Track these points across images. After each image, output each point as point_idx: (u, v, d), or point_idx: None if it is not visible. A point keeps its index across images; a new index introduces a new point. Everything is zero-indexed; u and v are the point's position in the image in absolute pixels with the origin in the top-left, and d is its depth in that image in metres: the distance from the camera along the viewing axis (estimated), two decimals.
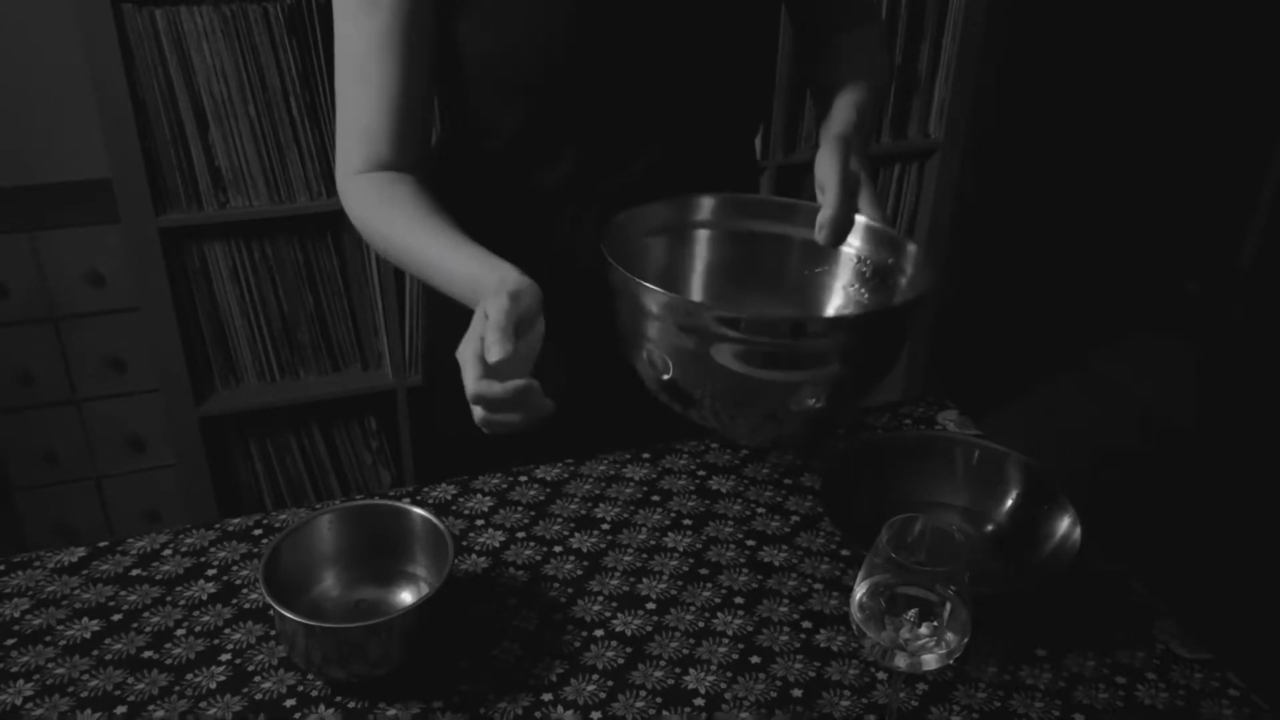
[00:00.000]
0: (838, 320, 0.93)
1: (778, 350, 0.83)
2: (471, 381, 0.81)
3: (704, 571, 1.02)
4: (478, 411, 0.83)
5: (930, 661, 0.76)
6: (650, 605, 0.98)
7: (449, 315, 1.14)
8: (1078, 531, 0.99)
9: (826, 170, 0.93)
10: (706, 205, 1.01)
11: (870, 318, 0.92)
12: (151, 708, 0.86)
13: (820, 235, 0.92)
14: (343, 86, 1.02)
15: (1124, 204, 3.32)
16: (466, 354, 0.82)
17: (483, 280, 0.90)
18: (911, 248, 0.93)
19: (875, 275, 0.96)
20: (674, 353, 0.85)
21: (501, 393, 0.80)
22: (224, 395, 2.04)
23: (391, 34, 0.97)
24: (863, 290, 0.97)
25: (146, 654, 0.91)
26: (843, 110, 1.02)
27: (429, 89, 1.02)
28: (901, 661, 0.76)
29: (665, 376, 0.86)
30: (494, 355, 0.80)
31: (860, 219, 0.95)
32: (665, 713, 0.87)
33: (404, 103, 1.00)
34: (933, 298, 2.45)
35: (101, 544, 1.03)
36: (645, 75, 1.02)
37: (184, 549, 1.03)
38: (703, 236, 1.02)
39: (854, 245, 0.97)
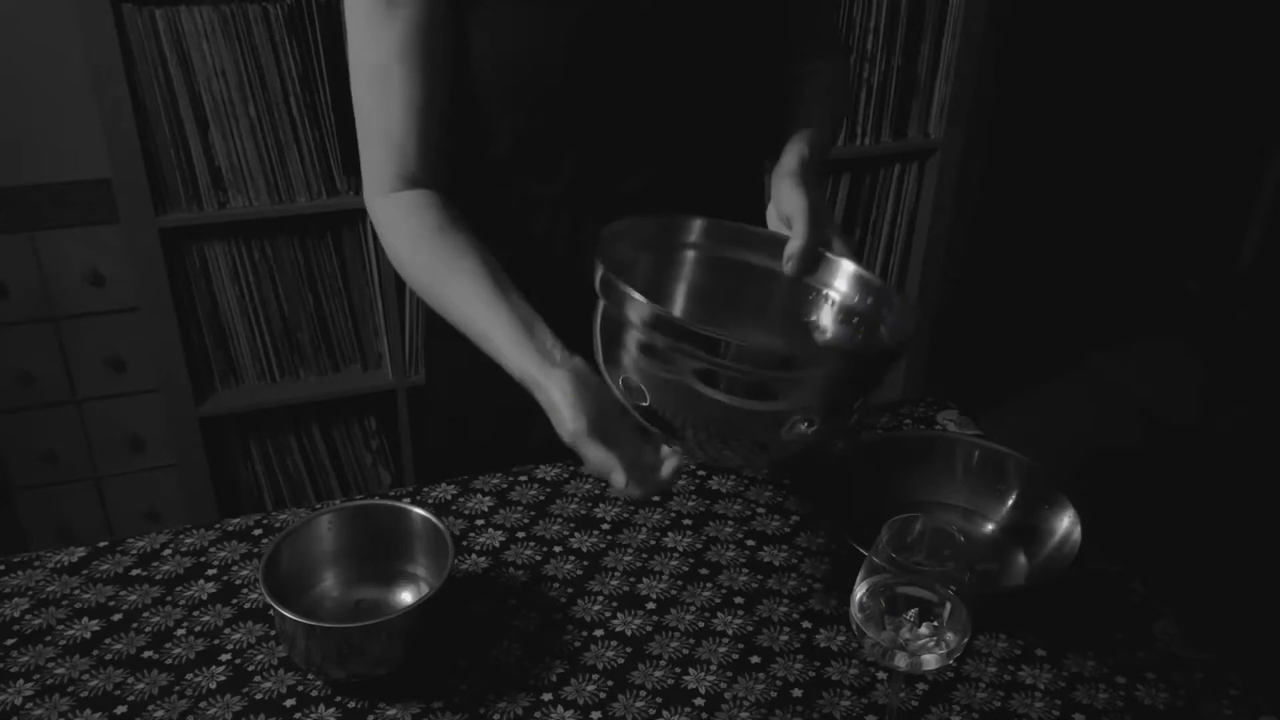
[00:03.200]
0: (824, 352, 0.90)
1: (766, 381, 0.79)
2: (626, 489, 0.85)
3: (704, 571, 1.02)
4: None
5: (930, 661, 0.76)
6: (650, 605, 0.98)
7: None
8: (1078, 531, 0.99)
9: (792, 203, 0.93)
10: (697, 227, 0.97)
11: (855, 358, 0.88)
12: (151, 708, 0.86)
13: (789, 266, 0.91)
14: (361, 97, 1.01)
15: (1124, 204, 3.31)
16: (618, 484, 0.85)
17: (522, 380, 0.91)
18: (896, 299, 0.90)
19: (864, 324, 0.92)
20: (654, 380, 0.82)
21: (645, 491, 0.85)
22: (224, 395, 2.04)
23: (412, 43, 0.96)
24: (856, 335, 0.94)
25: (146, 654, 0.91)
26: (799, 145, 1.01)
27: (448, 100, 1.01)
28: (901, 661, 0.76)
29: (644, 403, 0.83)
30: (620, 483, 0.84)
31: (850, 266, 0.93)
32: (665, 713, 0.87)
33: (427, 111, 0.99)
34: (935, 299, 2.45)
35: (101, 544, 1.03)
36: (646, 89, 1.01)
37: (184, 549, 1.03)
38: (689, 259, 0.97)
39: (840, 291, 0.94)
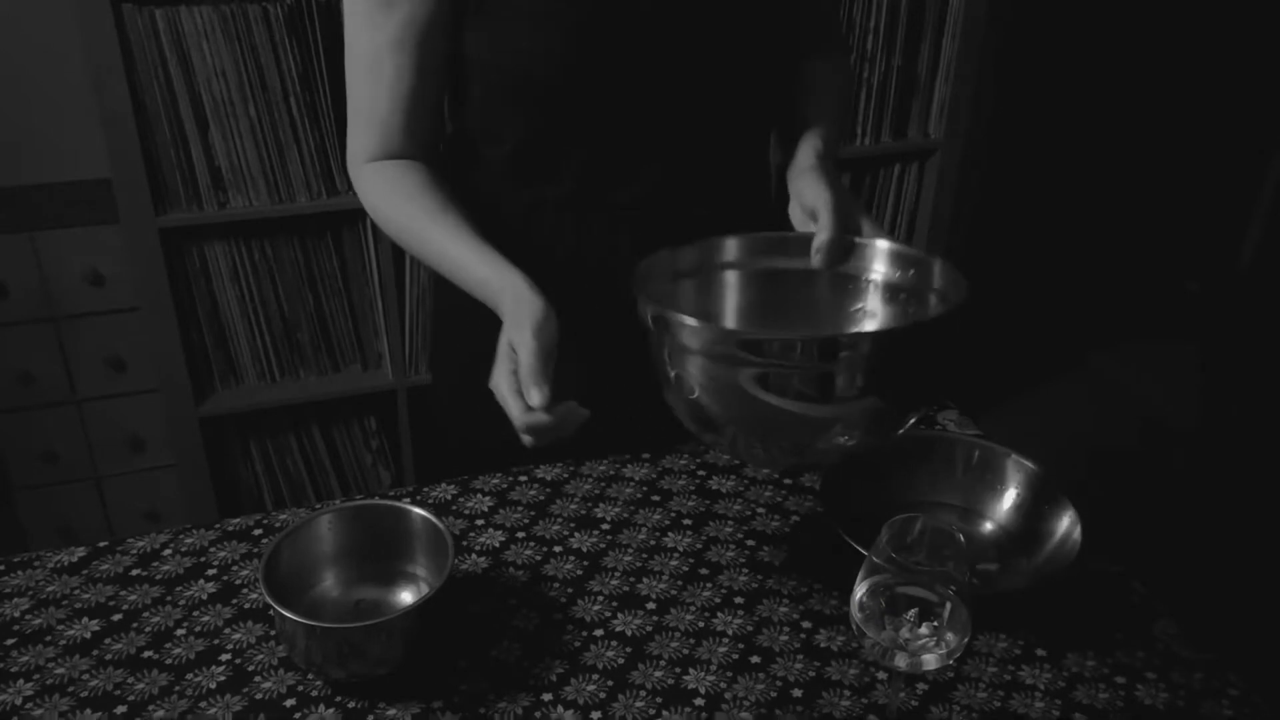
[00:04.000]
0: (865, 336, 0.89)
1: (808, 376, 0.80)
2: (518, 416, 0.86)
3: (704, 571, 1.02)
4: (526, 437, 0.89)
5: (930, 661, 0.76)
6: (650, 605, 0.98)
7: (457, 319, 1.14)
8: (1078, 531, 0.99)
9: (815, 195, 0.94)
10: (731, 246, 0.98)
11: (896, 334, 0.88)
12: (151, 708, 0.86)
13: (817, 259, 0.92)
14: (353, 79, 1.02)
15: (1124, 204, 3.31)
16: (504, 390, 0.87)
17: (497, 295, 0.93)
18: (938, 264, 0.90)
19: (912, 299, 0.93)
20: (710, 385, 0.83)
21: (548, 422, 0.86)
22: (224, 395, 2.04)
23: (406, 38, 0.97)
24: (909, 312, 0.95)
25: (146, 654, 0.91)
26: (814, 140, 1.03)
27: (441, 91, 1.02)
28: (901, 661, 0.76)
29: (692, 396, 0.84)
30: (536, 400, 0.85)
31: (882, 243, 0.94)
32: (665, 713, 0.87)
33: (417, 99, 1.00)
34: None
35: (101, 544, 1.03)
36: (650, 91, 1.02)
37: (184, 549, 1.03)
38: (729, 278, 0.99)
39: (880, 272, 0.94)
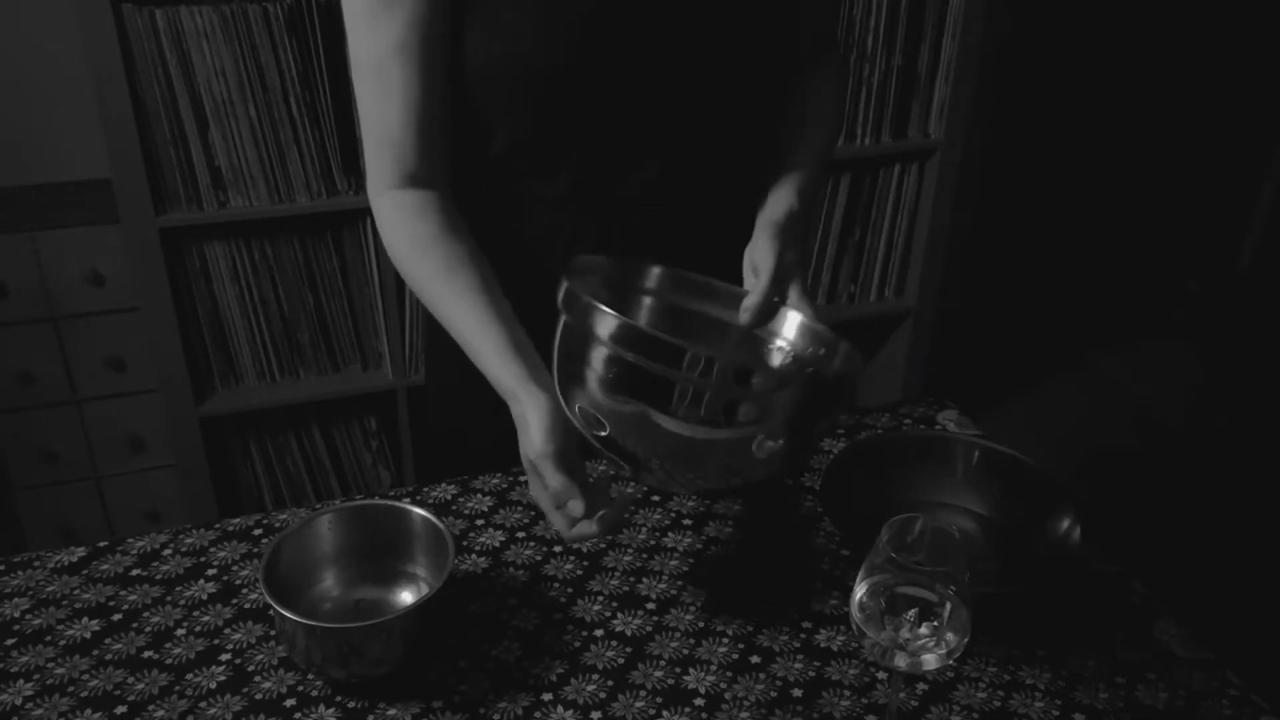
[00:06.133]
0: (783, 374, 0.91)
1: (729, 399, 0.81)
2: (565, 530, 0.89)
3: (704, 572, 1.02)
4: (578, 544, 0.94)
5: (930, 661, 0.76)
6: (650, 605, 0.98)
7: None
8: (1078, 531, 0.99)
9: (762, 255, 0.95)
10: (655, 274, 0.99)
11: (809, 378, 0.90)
12: (151, 708, 0.86)
13: (744, 317, 0.93)
14: (363, 96, 1.02)
15: (1124, 204, 3.31)
16: (544, 506, 0.90)
17: (507, 395, 0.93)
18: (843, 348, 0.92)
19: (812, 369, 0.95)
20: (613, 414, 0.83)
21: (596, 530, 0.88)
22: (224, 395, 2.04)
23: (410, 42, 0.97)
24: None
25: (146, 654, 0.91)
26: (784, 194, 1.02)
27: (447, 101, 1.02)
28: (901, 661, 0.76)
29: (601, 433, 0.84)
30: (579, 512, 0.87)
31: (797, 316, 0.95)
32: (665, 713, 0.87)
33: (427, 111, 1.00)
34: (935, 298, 2.45)
35: (101, 544, 1.03)
36: (648, 89, 1.02)
37: (184, 549, 1.03)
38: (645, 304, 0.99)
39: (787, 340, 0.96)
